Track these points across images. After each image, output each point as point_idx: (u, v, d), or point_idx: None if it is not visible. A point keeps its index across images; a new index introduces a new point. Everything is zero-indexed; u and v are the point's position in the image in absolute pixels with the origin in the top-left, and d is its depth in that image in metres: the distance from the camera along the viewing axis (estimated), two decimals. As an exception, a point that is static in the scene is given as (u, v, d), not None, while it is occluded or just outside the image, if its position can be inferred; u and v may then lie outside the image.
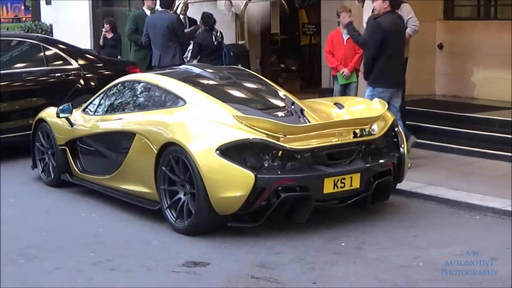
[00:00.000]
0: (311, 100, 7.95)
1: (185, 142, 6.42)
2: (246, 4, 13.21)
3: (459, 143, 9.54)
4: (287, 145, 6.31)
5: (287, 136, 6.35)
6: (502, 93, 11.03)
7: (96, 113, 8.00)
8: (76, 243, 6.40)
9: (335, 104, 7.47)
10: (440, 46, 12.03)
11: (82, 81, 10.29)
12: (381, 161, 6.80)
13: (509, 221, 6.79)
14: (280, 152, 6.29)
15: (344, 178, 6.44)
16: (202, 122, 6.65)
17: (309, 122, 6.76)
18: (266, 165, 6.27)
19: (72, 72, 10.30)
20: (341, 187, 6.45)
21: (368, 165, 6.61)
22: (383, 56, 8.21)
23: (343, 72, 9.57)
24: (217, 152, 6.19)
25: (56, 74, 10.19)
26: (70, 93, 10.00)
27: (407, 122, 9.87)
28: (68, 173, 8.18)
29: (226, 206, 6.27)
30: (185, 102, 6.97)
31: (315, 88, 13.19)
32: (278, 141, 6.30)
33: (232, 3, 13.71)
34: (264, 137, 6.28)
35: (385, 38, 8.18)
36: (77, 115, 8.16)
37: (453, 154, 9.33)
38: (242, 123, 6.44)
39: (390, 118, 7.08)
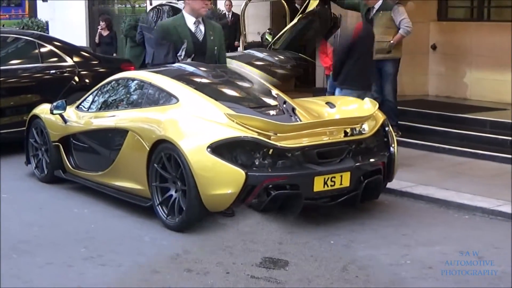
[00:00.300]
0: (303, 99, 7.98)
1: (177, 140, 6.45)
2: (246, 4, 13.24)
3: (450, 143, 9.60)
4: (278, 144, 6.34)
5: (278, 135, 6.38)
6: (494, 94, 11.11)
7: (89, 110, 8.03)
8: (68, 238, 6.43)
9: (327, 103, 7.51)
10: (434, 47, 12.09)
11: (76, 78, 10.32)
12: (371, 160, 6.84)
13: (497, 221, 6.86)
14: (271, 150, 6.32)
15: (334, 177, 6.47)
16: (194, 120, 6.69)
17: (300, 120, 6.79)
18: (257, 163, 6.31)
19: (67, 69, 10.33)
20: (331, 185, 6.48)
21: (358, 164, 6.65)
22: (351, 60, 8.31)
23: (336, 72, 9.61)
24: (208, 149, 6.23)
25: (51, 71, 10.22)
26: (64, 90, 10.04)
27: (399, 122, 9.97)
28: (61, 169, 8.21)
29: (216, 203, 6.31)
30: (177, 100, 7.00)
31: (309, 88, 13.23)
32: (269, 139, 6.34)
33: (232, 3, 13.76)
34: (255, 135, 6.32)
35: (353, 42, 8.29)
36: (70, 112, 8.20)
37: (444, 154, 9.38)
38: (233, 121, 6.47)
39: (381, 117, 7.11)
